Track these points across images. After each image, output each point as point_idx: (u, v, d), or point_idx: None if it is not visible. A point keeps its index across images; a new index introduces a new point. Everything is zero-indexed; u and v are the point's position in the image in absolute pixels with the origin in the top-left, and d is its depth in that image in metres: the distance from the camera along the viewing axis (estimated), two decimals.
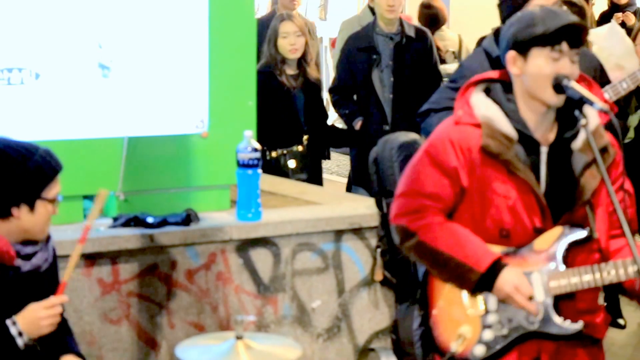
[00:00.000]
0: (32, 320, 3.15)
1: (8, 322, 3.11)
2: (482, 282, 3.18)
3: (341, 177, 10.16)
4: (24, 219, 3.14)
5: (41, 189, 3.14)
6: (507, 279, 3.17)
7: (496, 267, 3.17)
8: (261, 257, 4.46)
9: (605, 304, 6.27)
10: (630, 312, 6.55)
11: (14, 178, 3.09)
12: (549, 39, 3.11)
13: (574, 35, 3.12)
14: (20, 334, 3.11)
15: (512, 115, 3.21)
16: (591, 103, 3.10)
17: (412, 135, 4.31)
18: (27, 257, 3.21)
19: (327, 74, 11.67)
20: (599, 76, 4.49)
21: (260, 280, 4.46)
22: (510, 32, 3.21)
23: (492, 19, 4.46)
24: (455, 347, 3.24)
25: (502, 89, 3.27)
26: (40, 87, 4.20)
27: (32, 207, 3.13)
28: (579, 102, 3.11)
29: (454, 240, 3.20)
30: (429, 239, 3.22)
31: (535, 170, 3.20)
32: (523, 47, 3.16)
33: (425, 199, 3.24)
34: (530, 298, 3.18)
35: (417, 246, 3.25)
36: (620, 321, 6.41)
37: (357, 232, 4.65)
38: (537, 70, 3.14)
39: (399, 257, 4.09)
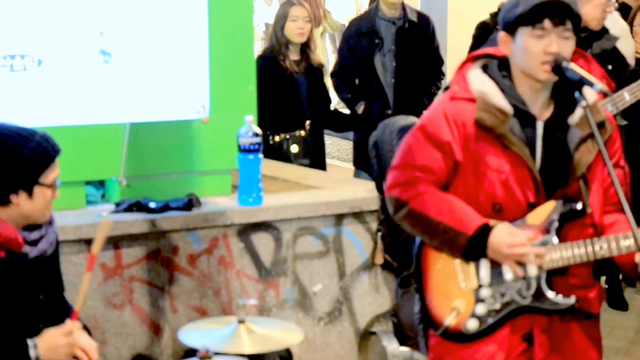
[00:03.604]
0: (51, 346, 3.15)
1: (29, 342, 3.12)
2: (472, 246, 3.19)
3: (342, 161, 10.17)
4: (23, 205, 3.13)
5: (38, 174, 3.13)
6: (499, 239, 3.16)
7: (485, 230, 3.17)
8: (262, 242, 4.48)
9: (607, 286, 6.34)
10: (632, 294, 6.57)
11: (10, 165, 3.08)
12: (530, 18, 3.12)
13: (555, 12, 3.11)
14: (37, 359, 3.12)
15: (508, 90, 3.22)
16: (591, 84, 3.10)
17: (412, 119, 4.31)
18: (34, 242, 3.21)
19: (327, 60, 11.68)
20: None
21: (261, 264, 4.49)
22: (501, 15, 3.25)
23: None
24: (448, 320, 3.26)
25: (498, 65, 3.29)
26: (43, 74, 4.22)
27: (30, 193, 3.12)
28: (579, 83, 3.12)
29: (443, 206, 3.21)
30: (419, 206, 3.23)
31: (531, 145, 3.20)
32: (510, 28, 3.19)
33: (416, 170, 3.25)
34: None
35: (408, 215, 3.27)
36: (623, 304, 6.43)
37: (358, 216, 4.67)
38: (524, 49, 3.15)
39: (399, 240, 4.11)
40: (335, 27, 10.96)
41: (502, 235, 3.18)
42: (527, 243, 3.17)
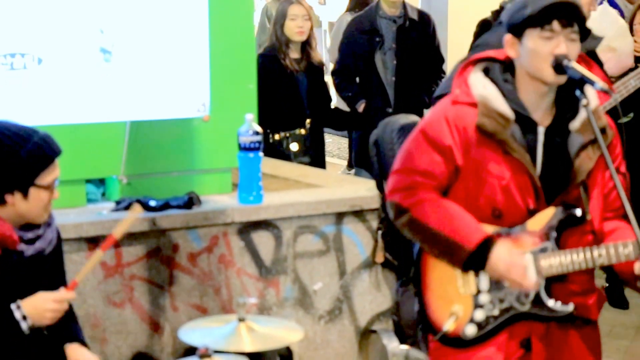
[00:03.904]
0: (38, 308, 3.15)
1: (12, 306, 3.12)
2: (473, 259, 3.18)
3: (342, 159, 10.19)
4: (18, 205, 3.12)
5: (34, 176, 3.12)
6: (499, 257, 3.16)
7: (487, 245, 3.16)
8: (263, 240, 4.48)
9: (607, 284, 6.34)
10: (632, 293, 6.56)
11: (6, 165, 3.08)
12: (539, 20, 3.11)
13: (564, 14, 3.10)
14: (24, 317, 3.12)
15: (510, 95, 3.20)
16: (592, 83, 3.09)
17: (412, 118, 4.31)
18: (31, 241, 3.21)
19: (326, 58, 11.70)
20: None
21: (262, 262, 4.49)
22: (507, 16, 3.23)
23: None
24: (447, 326, 3.26)
25: (501, 69, 3.27)
26: (43, 72, 4.21)
27: (25, 194, 3.12)
28: (580, 82, 3.11)
29: (445, 217, 3.20)
30: (421, 215, 3.22)
31: (532, 151, 3.19)
32: (517, 30, 3.17)
33: (418, 175, 3.24)
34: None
35: (409, 222, 3.26)
36: (623, 302, 6.43)
37: (358, 214, 4.67)
38: (532, 51, 3.13)
39: (400, 238, 4.10)
40: (316, 23, 11.01)
41: (504, 254, 3.17)
42: (524, 268, 3.16)
